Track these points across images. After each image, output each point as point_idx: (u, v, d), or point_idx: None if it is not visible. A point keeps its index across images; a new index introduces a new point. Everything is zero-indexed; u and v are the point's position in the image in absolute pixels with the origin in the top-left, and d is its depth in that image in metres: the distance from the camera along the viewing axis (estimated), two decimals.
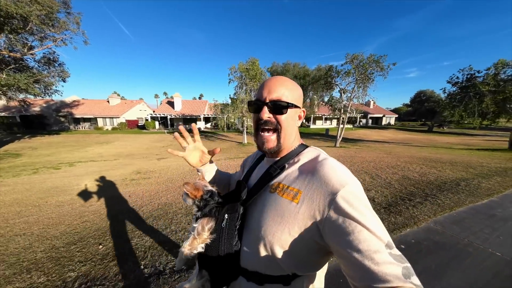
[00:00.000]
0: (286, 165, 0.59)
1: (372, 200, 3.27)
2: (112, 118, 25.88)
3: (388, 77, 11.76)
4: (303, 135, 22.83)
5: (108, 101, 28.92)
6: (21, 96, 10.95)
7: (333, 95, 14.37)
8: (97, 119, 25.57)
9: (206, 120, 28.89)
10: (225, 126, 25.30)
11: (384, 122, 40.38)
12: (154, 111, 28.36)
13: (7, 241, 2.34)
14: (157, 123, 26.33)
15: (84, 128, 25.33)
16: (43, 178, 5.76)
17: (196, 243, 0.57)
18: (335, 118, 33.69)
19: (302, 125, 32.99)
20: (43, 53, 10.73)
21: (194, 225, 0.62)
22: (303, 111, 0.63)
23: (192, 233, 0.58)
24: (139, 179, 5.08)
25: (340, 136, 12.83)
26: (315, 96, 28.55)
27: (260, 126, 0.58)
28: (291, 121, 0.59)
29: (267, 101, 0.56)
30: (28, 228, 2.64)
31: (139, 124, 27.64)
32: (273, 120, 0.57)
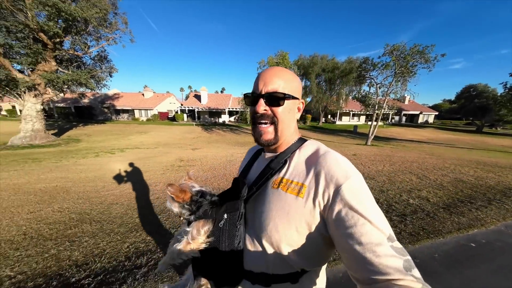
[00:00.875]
0: (288, 159, 0.57)
1: (426, 199, 3.21)
2: (147, 110, 28.28)
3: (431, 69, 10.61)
4: (328, 131, 22.06)
5: (143, 94, 31.59)
6: (81, 89, 12.65)
7: (365, 89, 13.52)
8: (134, 110, 28.21)
9: (230, 113, 29.70)
10: (248, 120, 25.78)
11: (420, 119, 36.49)
12: (182, 104, 30.14)
13: (108, 208, 2.95)
14: (185, 115, 27.98)
15: (124, 118, 28.23)
16: (105, 160, 6.79)
17: (189, 248, 0.52)
18: (363, 115, 31.63)
19: (326, 121, 31.85)
20: (97, 51, 12.16)
21: (187, 228, 0.55)
22: (302, 103, 0.61)
23: (186, 237, 0.53)
24: (185, 166, 5.67)
25: (372, 134, 12.15)
26: (342, 91, 27.06)
27: (256, 119, 0.56)
28: (288, 113, 0.57)
29: (263, 93, 0.54)
30: (118, 200, 3.27)
31: (169, 116, 29.73)
32: (269, 112, 0.55)
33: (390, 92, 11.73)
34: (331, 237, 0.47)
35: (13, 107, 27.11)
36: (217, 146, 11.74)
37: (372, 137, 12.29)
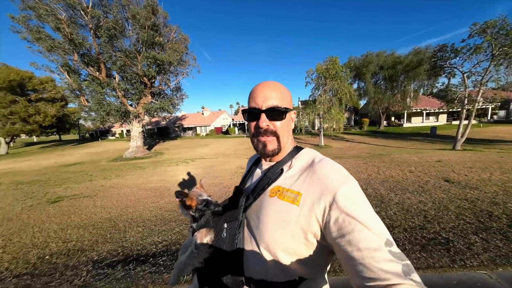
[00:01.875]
0: (284, 168, 0.58)
1: None
2: (206, 126, 33.05)
3: None
4: (394, 136, 18.79)
5: (202, 113, 37.31)
6: (163, 114, 16.38)
7: (443, 82, 10.95)
8: (196, 127, 33.55)
9: None
10: (295, 129, 25.54)
11: None
12: (233, 119, 33.42)
13: None
14: (236, 128, 30.81)
15: (189, 134, 33.98)
16: (184, 168, 8.45)
17: (194, 258, 0.54)
18: (443, 113, 25.20)
19: (390, 124, 27.21)
20: (175, 84, 15.62)
21: (191, 238, 0.58)
22: (295, 113, 0.64)
23: (190, 247, 0.55)
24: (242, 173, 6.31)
25: (462, 136, 9.55)
26: (409, 87, 22.83)
27: (259, 134, 0.58)
28: (287, 125, 0.59)
29: (263, 108, 0.56)
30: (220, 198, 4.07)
31: (223, 130, 33.51)
32: (271, 127, 0.57)
33: (487, 81, 9.06)
34: (329, 244, 0.47)
35: (122, 131, 37.81)
36: None
37: (463, 139, 9.63)
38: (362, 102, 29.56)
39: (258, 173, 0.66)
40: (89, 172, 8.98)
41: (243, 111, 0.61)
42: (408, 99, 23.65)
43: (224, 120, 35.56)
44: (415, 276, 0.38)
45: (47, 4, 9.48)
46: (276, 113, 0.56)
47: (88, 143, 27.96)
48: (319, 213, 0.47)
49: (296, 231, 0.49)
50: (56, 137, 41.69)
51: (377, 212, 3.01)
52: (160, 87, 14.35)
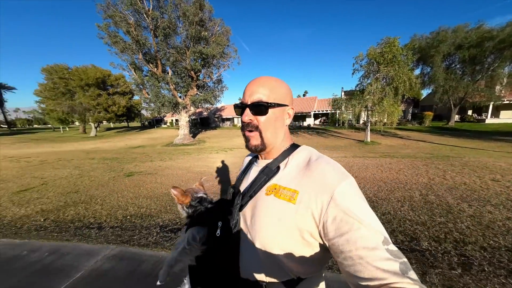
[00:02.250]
0: (281, 166, 0.57)
1: None
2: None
3: None
4: (470, 134, 14.98)
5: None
6: (206, 105, 17.71)
7: None
8: (234, 118, 35.10)
9: (316, 116, 28.66)
10: (336, 122, 23.52)
11: None
12: None
13: None
14: None
15: (227, 125, 36.00)
16: (223, 155, 9.10)
17: (185, 254, 0.52)
18: None
19: (464, 119, 21.70)
20: (216, 76, 16.53)
21: (184, 235, 0.56)
22: (292, 108, 0.61)
23: (182, 244, 0.53)
24: None
25: None
26: (501, 71, 17.44)
27: (244, 128, 0.58)
28: (274, 121, 0.57)
29: (248, 103, 0.56)
30: None
31: None
32: (255, 122, 0.56)
33: None
34: (325, 243, 0.46)
35: (172, 120, 43.22)
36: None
37: None
38: (424, 92, 24.36)
39: (254, 171, 0.64)
40: (149, 154, 10.78)
41: (235, 106, 0.62)
42: (497, 87, 18.15)
43: None
44: (412, 274, 0.38)
45: (121, 12, 11.35)
46: (259, 108, 0.55)
47: (147, 130, 33.28)
48: (316, 212, 0.46)
49: (292, 230, 0.48)
50: (125, 124, 51.21)
51: (443, 223, 2.55)
52: (204, 80, 15.49)
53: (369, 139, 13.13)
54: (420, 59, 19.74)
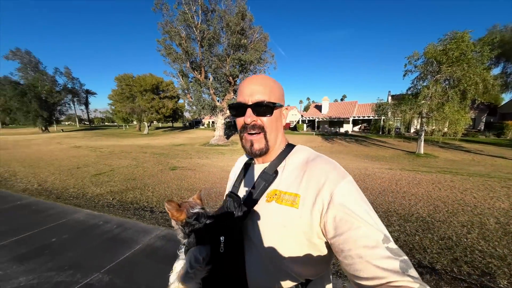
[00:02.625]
0: (279, 170, 0.56)
1: None
2: None
3: None
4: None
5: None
6: None
7: None
8: None
9: (355, 122, 26.35)
10: (379, 130, 20.98)
11: None
12: (302, 115, 32.32)
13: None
14: (305, 125, 29.71)
15: None
16: None
17: (190, 279, 0.47)
18: None
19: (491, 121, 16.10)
20: None
21: (182, 257, 0.53)
22: (286, 108, 0.60)
23: (185, 268, 0.48)
24: None
25: None
26: None
27: (245, 130, 0.55)
28: (276, 121, 0.56)
29: (250, 103, 0.53)
30: None
31: (291, 126, 33.40)
32: (258, 122, 0.54)
33: None
34: (328, 243, 0.46)
35: (208, 122, 46.75)
36: (342, 157, 10.97)
37: None
38: (507, 97, 19.37)
39: (251, 176, 0.62)
40: (189, 151, 11.94)
41: (230, 106, 0.58)
42: None
43: (293, 116, 35.18)
44: (413, 272, 0.37)
45: (175, 27, 13.15)
46: (263, 108, 0.53)
47: (187, 130, 36.92)
48: (318, 213, 0.46)
49: (298, 235, 0.48)
50: (170, 124, 58.16)
51: None
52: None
53: (422, 151, 11.25)
54: (502, 55, 15.91)
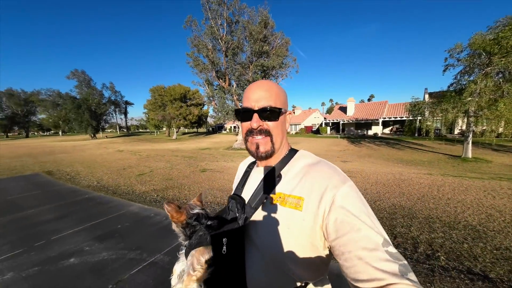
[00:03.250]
0: (282, 173, 0.56)
1: None
2: (296, 124, 33.79)
3: None
4: None
5: (293, 112, 38.12)
6: None
7: None
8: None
9: (385, 124, 24.44)
10: (415, 131, 19.00)
11: None
12: (325, 118, 31.26)
13: None
14: (328, 128, 28.61)
15: None
16: None
17: (192, 282, 0.46)
18: None
19: None
20: None
21: (182, 258, 0.53)
22: (290, 113, 0.61)
23: (187, 270, 0.48)
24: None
25: None
26: None
27: (251, 134, 0.56)
28: (281, 126, 0.57)
29: (256, 108, 0.54)
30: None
31: (313, 129, 32.51)
32: (265, 127, 0.55)
33: None
34: (330, 246, 0.47)
35: (230, 127, 48.33)
36: (372, 161, 10.29)
37: None
38: None
39: (254, 179, 0.63)
40: (214, 155, 12.59)
41: (236, 112, 0.59)
42: None
43: (315, 118, 34.25)
44: (412, 276, 0.37)
45: (203, 41, 14.28)
46: (269, 113, 0.54)
47: (211, 135, 38.76)
48: (321, 216, 0.47)
49: (302, 237, 0.48)
50: (195, 129, 61.88)
51: None
52: None
53: (470, 155, 9.88)
54: None
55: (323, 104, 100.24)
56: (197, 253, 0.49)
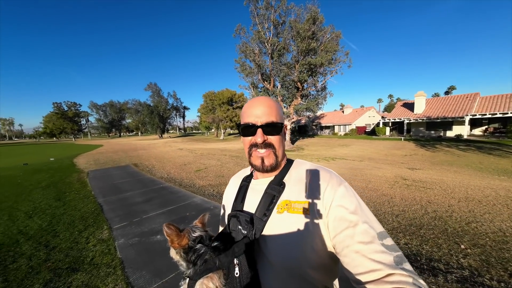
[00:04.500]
0: (285, 182, 0.59)
1: None
2: (345, 125, 30.59)
3: None
4: None
5: (342, 111, 34.92)
6: (307, 113, 17.99)
7: None
8: (334, 126, 32.40)
9: (474, 122, 18.82)
10: None
11: None
12: (383, 116, 26.84)
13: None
14: (387, 128, 24.46)
15: (325, 133, 34.00)
16: (326, 165, 8.68)
17: None
18: None
19: None
20: (322, 84, 16.31)
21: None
22: (285, 126, 0.63)
23: None
24: (415, 186, 4.81)
25: None
26: None
27: (256, 148, 0.58)
28: (282, 139, 0.60)
29: (259, 124, 0.56)
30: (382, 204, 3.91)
31: (366, 130, 28.57)
32: (269, 141, 0.57)
33: None
34: (332, 243, 0.48)
35: None
36: (455, 170, 8.07)
37: None
38: None
39: (255, 191, 0.62)
40: None
41: (238, 126, 0.61)
42: None
43: (370, 118, 30.01)
44: (407, 265, 0.39)
45: (250, 46, 15.00)
46: (273, 128, 0.57)
47: None
48: (325, 217, 0.49)
49: (315, 241, 0.49)
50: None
51: None
52: (308, 89, 15.98)
53: None
54: None
55: (379, 101, 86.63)
56: (206, 281, 0.43)
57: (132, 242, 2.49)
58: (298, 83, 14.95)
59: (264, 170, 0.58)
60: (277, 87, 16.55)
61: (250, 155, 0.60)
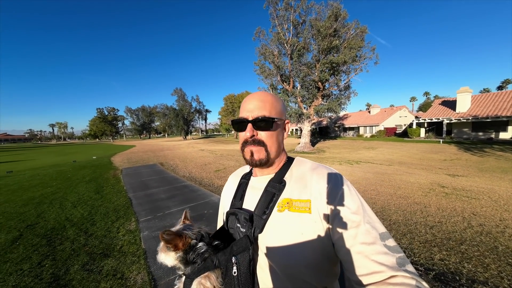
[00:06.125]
0: (286, 179, 0.57)
1: None
2: (372, 126, 28.40)
3: None
4: None
5: (369, 112, 32.51)
6: (329, 114, 17.20)
7: None
8: (359, 127, 30.33)
9: None
10: None
11: None
12: (417, 116, 24.18)
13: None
14: (422, 130, 21.95)
15: (349, 135, 32.03)
16: (349, 169, 8.14)
17: None
18: None
19: None
20: (344, 83, 15.48)
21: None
22: (287, 122, 0.62)
23: None
24: (455, 194, 4.20)
25: None
26: None
27: (247, 144, 0.57)
28: (277, 135, 0.57)
29: (250, 119, 0.55)
30: (421, 214, 3.55)
31: (396, 132, 26.09)
32: (259, 137, 0.56)
33: None
34: (333, 243, 0.47)
35: (292, 129, 47.73)
36: (509, 178, 6.81)
37: None
38: None
39: (255, 189, 0.61)
40: None
41: (232, 122, 0.59)
42: None
43: (401, 118, 27.36)
44: (409, 267, 0.38)
45: (269, 48, 15.05)
46: (263, 123, 0.55)
47: None
48: (327, 216, 0.48)
49: (315, 240, 0.48)
50: None
51: None
52: (330, 89, 15.30)
53: None
54: None
55: (413, 99, 78.28)
56: (204, 280, 0.44)
57: (155, 235, 2.69)
58: (319, 83, 14.42)
59: (253, 164, 0.57)
60: (296, 88, 16.23)
61: (242, 150, 0.59)
